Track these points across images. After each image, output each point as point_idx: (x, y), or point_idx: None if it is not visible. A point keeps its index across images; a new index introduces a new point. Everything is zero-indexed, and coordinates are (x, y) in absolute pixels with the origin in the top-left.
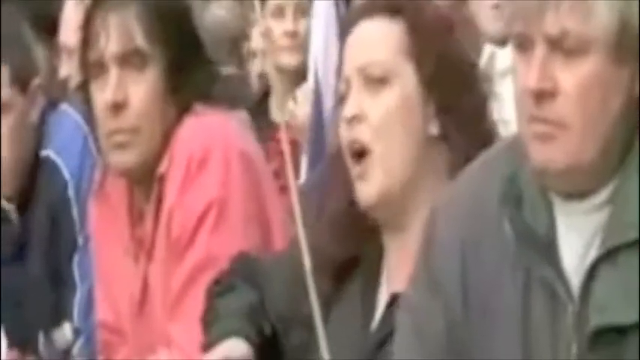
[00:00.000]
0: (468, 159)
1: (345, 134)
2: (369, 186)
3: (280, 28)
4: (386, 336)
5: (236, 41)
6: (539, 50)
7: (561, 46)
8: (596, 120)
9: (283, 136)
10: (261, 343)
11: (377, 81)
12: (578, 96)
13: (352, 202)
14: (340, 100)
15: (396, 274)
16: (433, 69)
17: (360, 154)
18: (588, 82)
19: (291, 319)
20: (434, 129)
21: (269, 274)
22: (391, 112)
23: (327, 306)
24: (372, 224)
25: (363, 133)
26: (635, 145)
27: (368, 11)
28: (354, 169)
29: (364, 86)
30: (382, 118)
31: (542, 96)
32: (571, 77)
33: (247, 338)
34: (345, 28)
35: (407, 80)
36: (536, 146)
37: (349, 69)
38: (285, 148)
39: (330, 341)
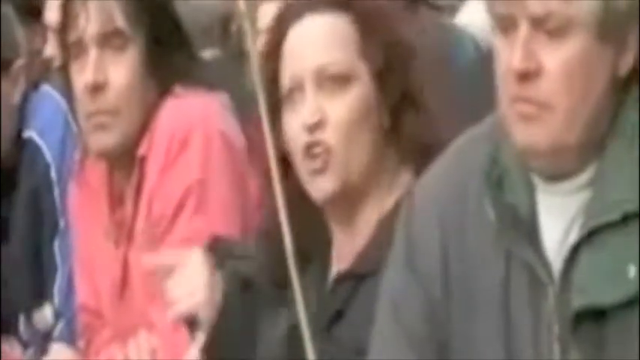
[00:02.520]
0: (416, 142)
1: (303, 136)
2: (329, 179)
3: None
4: (332, 315)
5: (225, 23)
6: (523, 30)
7: (545, 27)
8: (580, 100)
9: (265, 126)
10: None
11: (336, 80)
12: (562, 76)
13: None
14: (289, 95)
15: (343, 254)
16: (382, 62)
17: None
18: (572, 62)
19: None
20: (387, 122)
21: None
22: (353, 112)
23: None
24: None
25: (326, 135)
26: (616, 124)
27: (314, 5)
28: (310, 164)
29: (321, 87)
30: (345, 119)
31: (527, 76)
32: (555, 57)
33: (235, 273)
34: (285, 21)
35: (363, 77)
36: (519, 126)
37: (301, 69)
38: (267, 138)
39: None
